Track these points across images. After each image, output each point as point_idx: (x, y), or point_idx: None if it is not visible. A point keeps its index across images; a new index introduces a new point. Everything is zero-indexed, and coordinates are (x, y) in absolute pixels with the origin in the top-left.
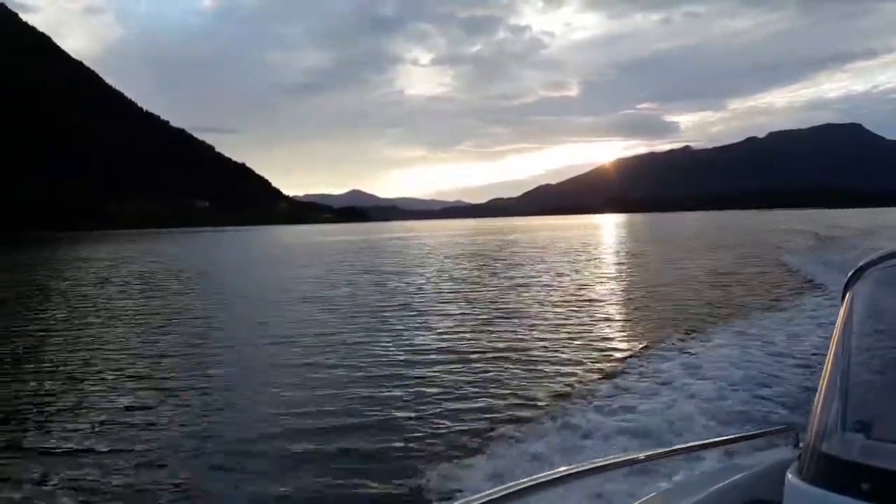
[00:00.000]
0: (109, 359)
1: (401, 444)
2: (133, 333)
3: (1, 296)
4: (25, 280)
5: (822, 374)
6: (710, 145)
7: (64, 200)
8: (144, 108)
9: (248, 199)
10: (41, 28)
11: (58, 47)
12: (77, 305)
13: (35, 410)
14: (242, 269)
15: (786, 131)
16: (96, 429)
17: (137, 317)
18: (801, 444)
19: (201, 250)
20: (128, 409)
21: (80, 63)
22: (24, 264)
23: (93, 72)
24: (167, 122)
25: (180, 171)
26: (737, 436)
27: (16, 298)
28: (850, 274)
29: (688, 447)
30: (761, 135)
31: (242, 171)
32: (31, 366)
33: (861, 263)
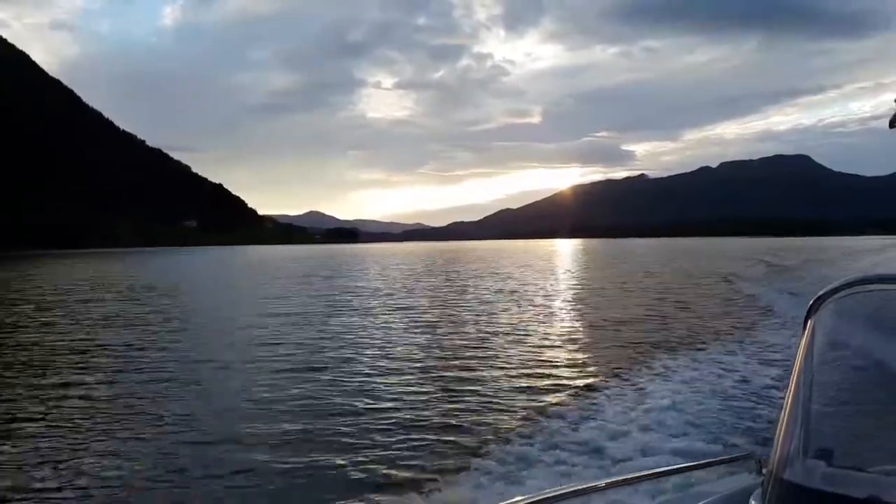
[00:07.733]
0: (112, 367)
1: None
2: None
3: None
4: None
5: (784, 401)
6: (665, 174)
7: (55, 220)
8: (122, 128)
9: (229, 218)
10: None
11: (35, 64)
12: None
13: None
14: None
15: (738, 161)
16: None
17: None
18: (763, 472)
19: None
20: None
21: (58, 81)
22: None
23: (70, 89)
24: (144, 142)
25: (162, 191)
26: (698, 462)
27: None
28: (810, 303)
29: (649, 474)
30: (714, 164)
31: (219, 191)
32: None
33: (821, 292)
